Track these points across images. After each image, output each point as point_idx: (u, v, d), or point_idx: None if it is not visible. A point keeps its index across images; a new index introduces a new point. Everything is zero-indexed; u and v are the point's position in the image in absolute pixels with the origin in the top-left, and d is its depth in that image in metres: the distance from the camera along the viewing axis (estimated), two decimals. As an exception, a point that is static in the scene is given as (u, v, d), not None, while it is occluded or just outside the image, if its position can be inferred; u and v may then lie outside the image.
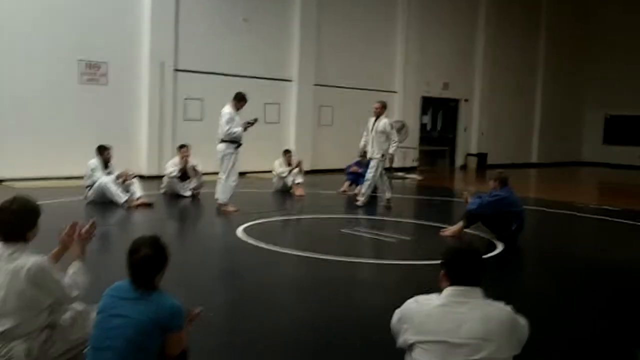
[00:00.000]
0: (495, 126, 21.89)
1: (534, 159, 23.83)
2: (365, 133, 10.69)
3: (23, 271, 3.13)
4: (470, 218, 8.10)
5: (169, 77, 14.00)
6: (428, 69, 19.52)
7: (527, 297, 5.55)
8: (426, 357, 2.74)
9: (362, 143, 10.84)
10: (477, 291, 2.83)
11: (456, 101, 21.24)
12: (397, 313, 2.95)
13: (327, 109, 17.18)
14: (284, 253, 6.94)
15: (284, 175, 12.14)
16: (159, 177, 12.06)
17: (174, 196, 10.87)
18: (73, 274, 3.36)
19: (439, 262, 2.94)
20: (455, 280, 2.84)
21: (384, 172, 10.68)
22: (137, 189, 9.89)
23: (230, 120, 9.31)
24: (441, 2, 19.80)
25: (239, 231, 7.94)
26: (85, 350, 3.08)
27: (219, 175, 9.63)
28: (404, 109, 18.99)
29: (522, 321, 2.90)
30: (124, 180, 9.90)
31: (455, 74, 20.57)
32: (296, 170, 12.21)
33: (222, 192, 9.55)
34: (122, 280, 2.95)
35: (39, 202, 3.39)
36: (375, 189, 11.53)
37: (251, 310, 4.99)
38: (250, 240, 7.42)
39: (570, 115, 24.88)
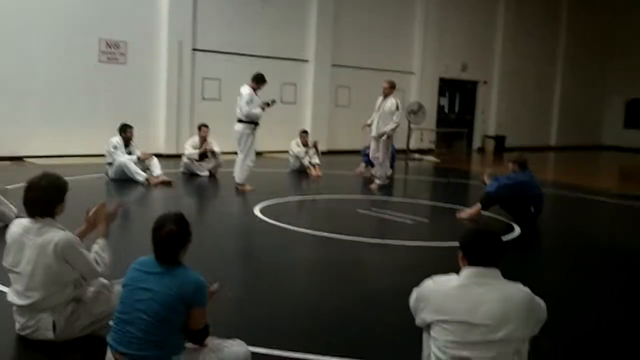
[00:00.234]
0: (513, 109, 21.70)
1: (552, 142, 23.62)
2: (373, 115, 10.65)
3: (51, 246, 3.20)
4: (488, 200, 8.04)
5: (187, 56, 14.04)
6: (446, 50, 19.35)
7: (545, 281, 5.55)
8: (444, 336, 2.77)
9: (369, 121, 10.79)
10: (495, 272, 2.85)
11: (474, 83, 21.06)
12: (415, 292, 2.98)
13: (344, 90, 17.13)
14: (301, 232, 6.99)
15: (300, 155, 12.17)
16: (177, 156, 12.15)
17: (191, 175, 10.96)
18: (97, 251, 3.44)
19: (456, 243, 2.95)
20: (473, 261, 2.86)
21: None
22: (157, 168, 10.00)
23: (250, 101, 9.34)
24: (461, -17, 19.56)
25: (256, 210, 8.00)
26: (110, 322, 3.16)
27: (238, 155, 9.69)
28: (422, 90, 18.88)
29: (541, 302, 2.91)
30: (143, 160, 10.02)
31: (473, 56, 20.37)
32: (312, 150, 12.24)
33: (239, 172, 9.61)
34: (147, 255, 3.01)
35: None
36: (392, 170, 11.56)
37: (268, 289, 5.04)
38: (268, 220, 7.48)
39: (590, 99, 24.57)
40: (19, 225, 3.37)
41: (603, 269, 6.27)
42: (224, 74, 14.40)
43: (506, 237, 7.07)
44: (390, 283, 5.31)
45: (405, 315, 3.02)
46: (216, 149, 11.09)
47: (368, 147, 12.48)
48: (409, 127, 16.74)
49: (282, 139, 13.67)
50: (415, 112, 16.56)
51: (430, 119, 18.69)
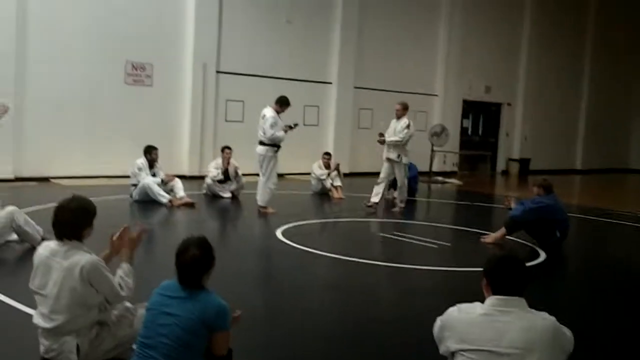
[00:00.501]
0: (538, 131, 21.50)
1: (578, 165, 23.32)
2: (385, 134, 10.61)
3: (77, 268, 3.23)
4: (513, 225, 7.95)
5: (211, 78, 14.20)
6: (470, 72, 19.32)
7: (571, 308, 5.45)
8: (469, 366, 2.73)
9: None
10: (520, 301, 2.81)
11: (498, 105, 20.96)
12: (439, 321, 2.95)
13: (366, 112, 17.16)
14: (323, 255, 6.96)
15: (322, 177, 12.18)
16: (201, 178, 12.23)
17: (214, 197, 11.01)
18: (122, 276, 3.46)
19: (479, 269, 2.92)
20: (497, 289, 2.83)
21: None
22: (180, 190, 10.09)
23: (275, 124, 9.40)
24: (485, 7, 19.55)
25: (278, 233, 8.01)
26: (133, 346, 3.16)
27: (260, 177, 9.74)
28: (445, 112, 18.84)
29: (567, 332, 2.86)
30: (166, 183, 10.12)
31: (497, 78, 20.30)
32: (335, 172, 12.24)
33: (261, 195, 9.64)
34: (169, 280, 3.02)
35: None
36: (412, 193, 11.51)
37: (290, 312, 5.03)
38: (290, 242, 7.48)
39: (617, 121, 24.25)
40: (47, 247, 3.41)
41: (632, 295, 6.14)
42: (247, 96, 14.53)
43: (531, 263, 6.98)
44: (413, 308, 5.26)
45: (430, 342, 2.98)
46: (239, 170, 11.15)
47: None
48: (432, 149, 16.68)
49: (304, 161, 13.71)
50: (438, 134, 16.51)
51: (453, 142, 18.60)
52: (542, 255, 7.41)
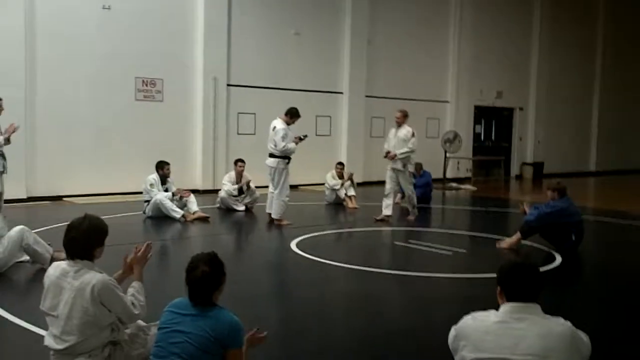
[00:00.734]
0: (551, 135, 21.38)
1: (592, 167, 23.13)
2: (385, 144, 10.56)
3: (88, 288, 3.22)
4: (528, 230, 7.92)
5: (222, 92, 14.27)
6: (481, 78, 19.27)
7: (588, 312, 5.38)
8: (485, 375, 2.70)
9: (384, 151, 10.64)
10: (535, 307, 2.78)
11: (510, 110, 20.88)
12: (454, 330, 2.92)
13: (378, 121, 17.14)
14: (339, 266, 6.93)
15: (336, 187, 12.17)
16: (214, 191, 12.26)
17: (228, 210, 11.03)
18: (134, 294, 3.45)
19: (495, 276, 2.89)
20: (511, 296, 2.80)
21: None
22: (194, 204, 10.11)
23: (286, 136, 9.41)
24: (494, 11, 19.54)
25: (293, 244, 7.99)
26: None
27: (269, 190, 9.74)
28: (457, 118, 18.79)
29: (584, 337, 2.82)
30: (180, 197, 10.14)
31: (509, 83, 20.24)
32: (348, 182, 12.23)
33: (276, 209, 9.63)
34: (182, 296, 3.01)
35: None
36: (427, 200, 11.45)
37: (306, 325, 5.00)
38: (305, 254, 7.46)
39: (630, 123, 24.05)
40: (57, 268, 3.40)
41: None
42: (258, 108, 14.59)
43: (547, 267, 6.90)
44: (430, 317, 5.22)
45: (447, 350, 2.95)
46: (252, 183, 11.18)
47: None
48: (445, 156, 16.62)
49: (317, 171, 13.71)
50: (451, 140, 16.45)
51: (466, 148, 18.53)
52: (558, 260, 7.33)
